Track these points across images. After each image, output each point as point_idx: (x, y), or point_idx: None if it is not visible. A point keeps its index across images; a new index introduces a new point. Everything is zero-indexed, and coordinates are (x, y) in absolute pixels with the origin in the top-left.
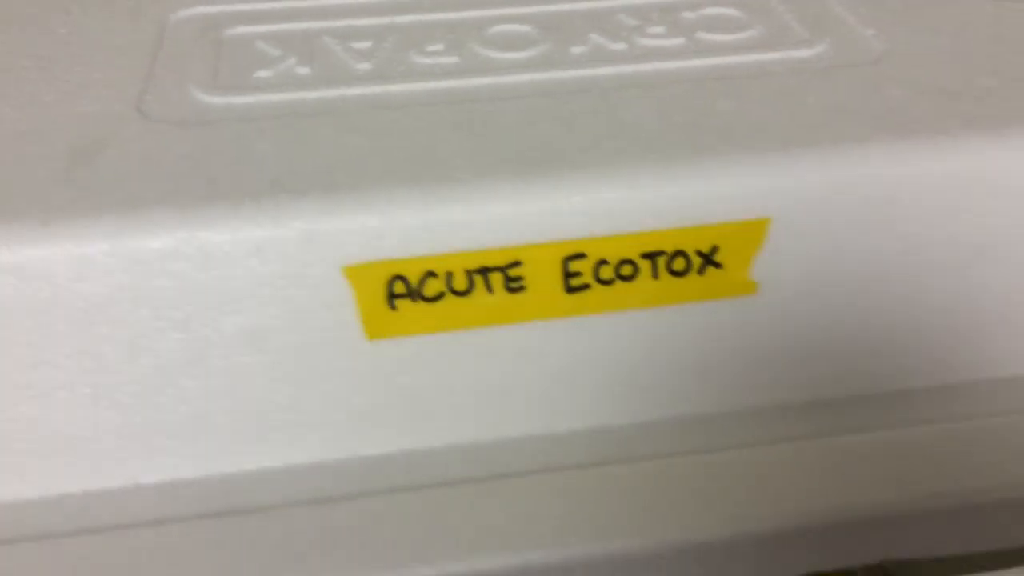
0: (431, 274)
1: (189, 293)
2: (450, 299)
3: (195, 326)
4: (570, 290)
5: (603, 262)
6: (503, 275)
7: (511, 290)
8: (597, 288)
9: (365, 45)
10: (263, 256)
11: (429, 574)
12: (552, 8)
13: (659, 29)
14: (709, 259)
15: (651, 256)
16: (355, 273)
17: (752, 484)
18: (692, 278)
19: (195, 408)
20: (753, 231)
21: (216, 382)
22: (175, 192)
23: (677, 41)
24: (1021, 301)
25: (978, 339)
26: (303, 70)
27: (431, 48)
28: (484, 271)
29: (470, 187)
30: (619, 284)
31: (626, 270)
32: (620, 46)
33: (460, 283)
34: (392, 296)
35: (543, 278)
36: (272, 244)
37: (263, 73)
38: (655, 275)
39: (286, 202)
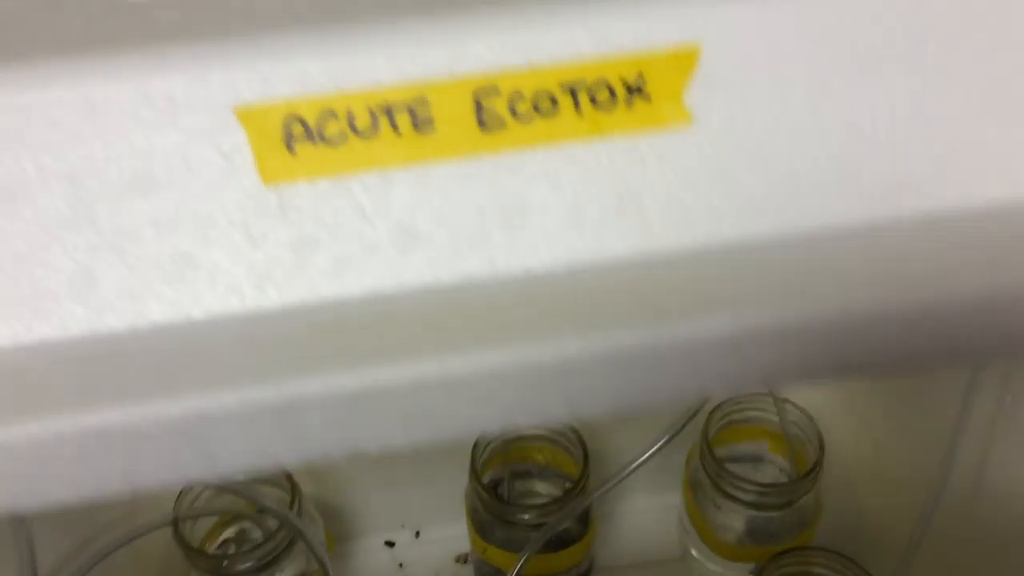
0: (331, 114)
1: (74, 143)
2: (353, 140)
3: (81, 176)
4: (484, 127)
5: (519, 96)
6: (410, 113)
7: (419, 129)
8: (513, 124)
9: None
10: (151, 102)
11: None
12: None
13: None
14: (636, 90)
15: (571, 88)
16: (248, 115)
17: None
18: (619, 111)
19: (81, 264)
20: (682, 59)
21: (103, 236)
22: (58, 40)
23: None
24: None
25: (915, 171)
26: None
27: None
28: (388, 110)
29: (371, 24)
30: (538, 119)
31: (544, 104)
32: None
33: (363, 123)
34: (290, 138)
35: (454, 115)
36: (160, 89)
37: None
38: (577, 109)
39: (173, 45)
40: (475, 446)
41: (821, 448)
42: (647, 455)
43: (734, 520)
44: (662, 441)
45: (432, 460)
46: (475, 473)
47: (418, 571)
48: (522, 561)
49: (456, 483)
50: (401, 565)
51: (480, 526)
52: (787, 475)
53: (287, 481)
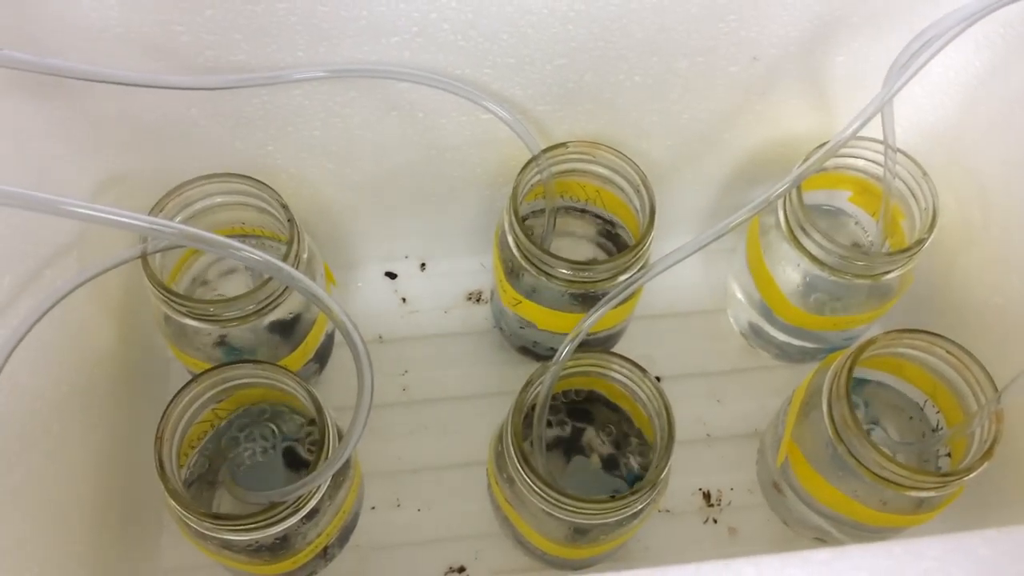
0: None
1: None
2: None
3: None
4: None
5: None
6: None
7: None
8: None
9: None
10: None
11: None
12: None
13: None
14: None
15: None
16: None
17: None
18: None
19: None
20: None
21: None
22: None
23: None
24: None
25: None
26: None
27: None
28: None
29: None
30: None
31: None
32: None
33: None
34: None
35: None
36: None
37: None
38: None
39: None
40: (520, 173)
41: (934, 216)
42: (729, 223)
43: (799, 279)
44: (751, 209)
45: (438, 182)
46: (515, 210)
47: (423, 307)
48: (577, 337)
49: (466, 212)
50: (404, 300)
51: (514, 273)
52: (865, 231)
53: (282, 209)
